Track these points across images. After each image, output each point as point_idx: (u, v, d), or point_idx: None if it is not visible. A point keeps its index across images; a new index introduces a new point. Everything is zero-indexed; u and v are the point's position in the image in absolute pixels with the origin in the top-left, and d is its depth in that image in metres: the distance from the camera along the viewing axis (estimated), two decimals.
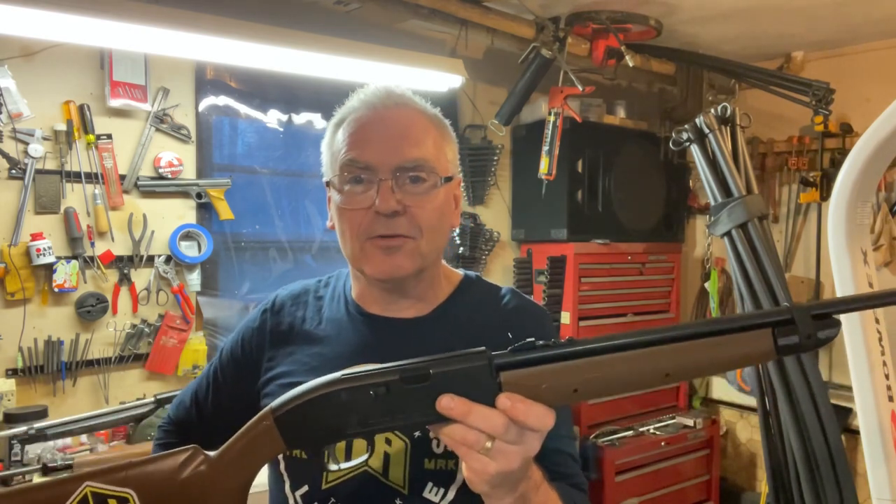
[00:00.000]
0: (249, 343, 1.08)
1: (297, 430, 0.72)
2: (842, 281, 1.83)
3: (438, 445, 0.92)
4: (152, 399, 2.24)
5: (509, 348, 0.70)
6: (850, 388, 1.85)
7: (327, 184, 1.00)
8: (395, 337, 1.01)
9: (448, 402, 0.67)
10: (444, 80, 2.60)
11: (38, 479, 1.93)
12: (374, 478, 0.92)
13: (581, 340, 0.68)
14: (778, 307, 0.68)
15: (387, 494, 0.91)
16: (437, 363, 0.70)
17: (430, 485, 0.93)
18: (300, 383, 0.98)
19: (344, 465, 0.76)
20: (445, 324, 1.02)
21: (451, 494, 0.93)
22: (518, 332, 1.02)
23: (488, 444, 0.67)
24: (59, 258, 2.21)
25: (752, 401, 3.07)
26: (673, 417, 3.34)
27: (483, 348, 0.70)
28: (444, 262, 1.08)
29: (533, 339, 0.69)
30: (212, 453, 0.75)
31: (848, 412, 2.94)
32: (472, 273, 1.11)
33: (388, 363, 0.72)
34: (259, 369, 1.05)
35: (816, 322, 0.66)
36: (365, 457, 0.76)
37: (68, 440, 2.11)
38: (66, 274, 2.21)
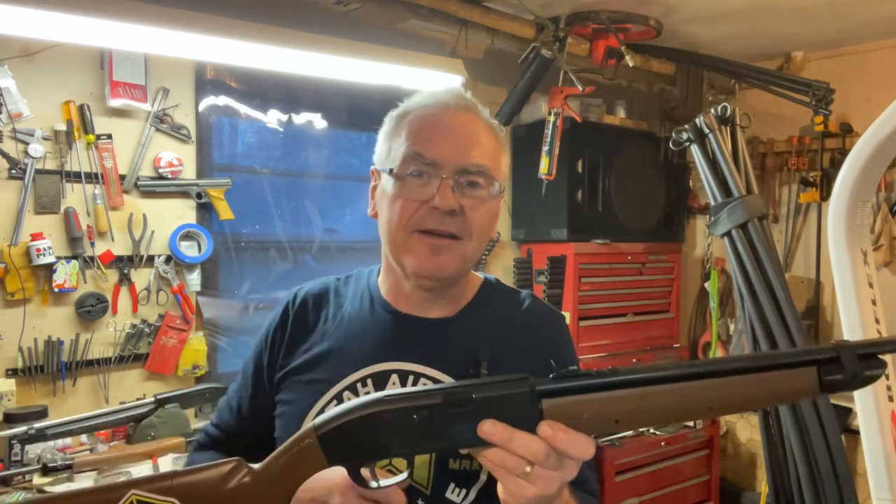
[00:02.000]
0: (273, 341, 1.07)
1: (339, 448, 0.73)
2: (842, 281, 1.83)
3: None
4: (152, 399, 2.24)
5: (552, 375, 0.69)
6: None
7: (382, 172, 0.99)
8: (421, 335, 1.01)
9: (490, 428, 0.68)
10: (444, 80, 2.59)
11: (38, 479, 1.94)
12: None
13: (624, 370, 0.68)
14: (824, 345, 0.68)
15: (410, 494, 0.92)
16: (480, 388, 0.70)
17: (452, 485, 0.93)
18: (319, 381, 0.99)
19: (383, 483, 0.76)
20: (470, 326, 1.02)
21: (472, 495, 0.93)
22: (537, 336, 1.03)
23: (528, 469, 0.67)
24: (59, 258, 2.21)
25: None
26: None
27: (526, 374, 0.70)
28: None
29: (575, 367, 0.69)
30: (256, 466, 0.75)
31: (848, 412, 2.94)
32: (490, 276, 1.12)
33: (432, 386, 0.72)
34: (276, 366, 1.04)
35: (862, 362, 0.66)
36: (404, 476, 0.76)
37: (68, 440, 2.11)
38: (66, 274, 2.21)
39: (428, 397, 0.70)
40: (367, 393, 0.97)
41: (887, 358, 0.69)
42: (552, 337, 1.06)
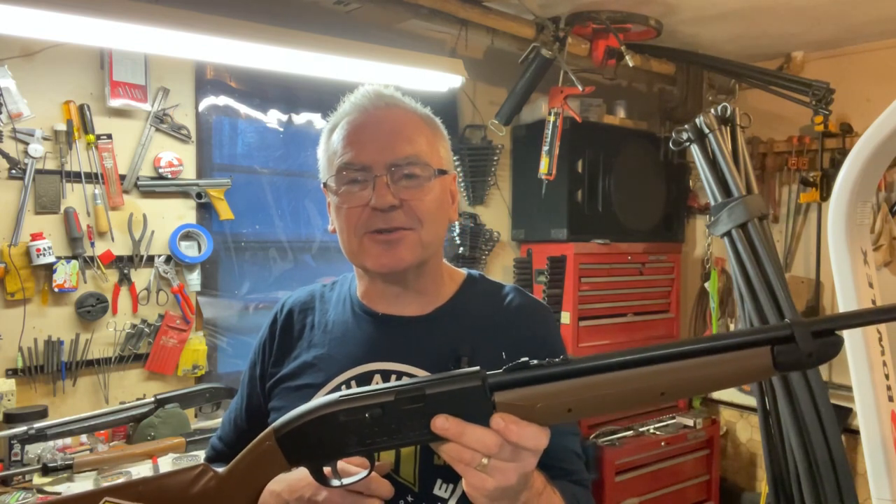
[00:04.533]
0: (263, 353, 1.09)
1: (299, 449, 0.74)
2: (842, 281, 1.83)
3: None
4: (152, 399, 2.24)
5: (504, 368, 0.70)
6: (850, 388, 1.85)
7: (325, 187, 1.02)
8: (402, 334, 1.02)
9: (442, 423, 0.68)
10: (444, 80, 2.59)
11: (38, 479, 1.94)
12: (387, 475, 0.93)
13: (576, 359, 0.69)
14: (778, 323, 0.67)
15: (397, 491, 0.92)
16: (432, 384, 0.70)
17: (439, 481, 0.94)
18: (308, 386, 1.00)
19: (346, 481, 0.77)
20: (451, 321, 1.03)
21: (459, 490, 0.93)
22: (522, 330, 1.03)
23: (484, 461, 0.68)
24: (59, 258, 2.21)
25: (752, 401, 3.07)
26: (673, 417, 3.34)
27: (477, 368, 0.70)
28: (446, 261, 1.09)
29: (527, 358, 0.69)
30: (220, 469, 0.78)
31: (848, 412, 2.94)
32: (475, 272, 1.13)
33: (385, 384, 0.73)
34: (266, 374, 1.07)
35: (818, 339, 0.65)
36: (364, 474, 0.78)
37: (68, 440, 2.11)
38: (66, 274, 2.21)
39: (382, 396, 0.71)
40: None
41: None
42: (538, 330, 1.06)
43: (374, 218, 0.95)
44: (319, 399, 0.74)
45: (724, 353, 0.67)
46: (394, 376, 0.98)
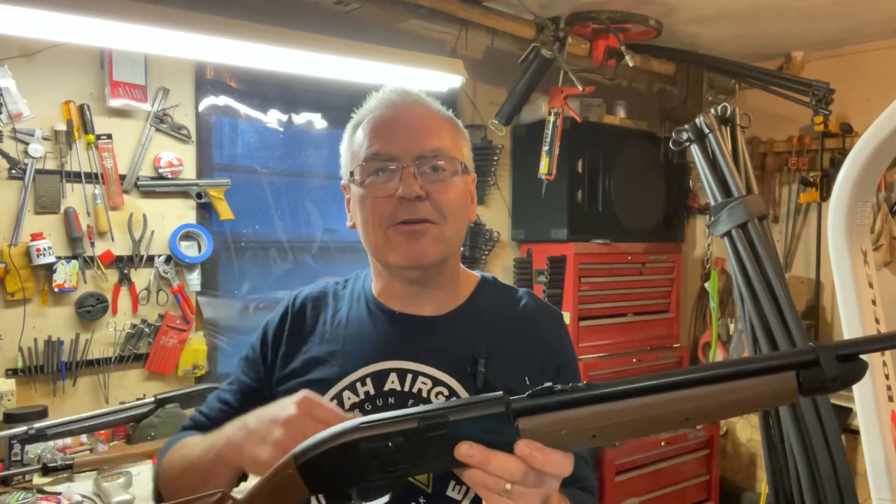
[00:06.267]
0: (272, 342, 1.08)
1: (319, 476, 0.73)
2: (842, 281, 1.83)
3: None
4: (152, 399, 2.24)
5: (527, 393, 0.69)
6: (850, 388, 1.84)
7: (349, 179, 1.02)
8: (419, 334, 1.01)
9: (467, 451, 0.68)
10: (444, 80, 2.59)
11: (38, 479, 1.94)
12: None
13: (600, 384, 0.68)
14: (802, 348, 0.67)
15: (410, 493, 0.92)
16: (455, 410, 0.69)
17: (452, 483, 0.94)
18: (321, 381, 0.99)
19: None
20: (467, 323, 1.03)
21: (472, 493, 0.93)
22: (534, 333, 1.04)
23: (508, 487, 0.68)
24: (59, 258, 2.21)
25: None
26: None
27: (501, 393, 0.70)
28: (461, 264, 1.10)
29: (551, 384, 0.69)
30: (239, 496, 0.76)
31: (848, 412, 2.94)
32: (487, 274, 1.13)
33: (407, 410, 0.71)
34: (275, 367, 1.05)
35: (842, 364, 0.64)
36: (385, 499, 0.77)
37: (68, 440, 2.11)
38: (66, 274, 2.21)
39: (404, 422, 0.70)
40: (367, 392, 0.98)
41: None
42: (550, 334, 1.06)
43: (399, 208, 0.95)
44: (339, 425, 0.73)
45: (750, 379, 0.66)
46: (409, 375, 0.98)
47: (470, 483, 0.70)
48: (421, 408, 0.71)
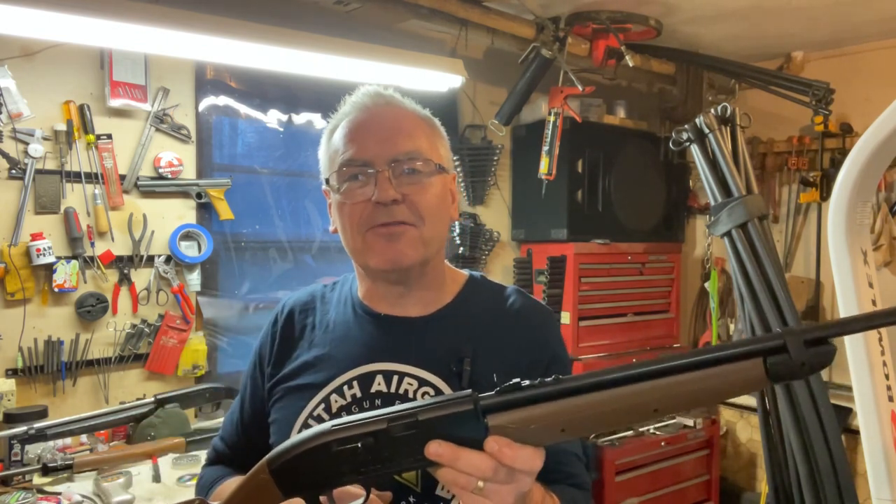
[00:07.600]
0: (264, 354, 1.10)
1: (293, 480, 0.74)
2: (842, 281, 1.83)
3: None
4: (152, 399, 2.24)
5: (496, 390, 0.69)
6: (850, 389, 1.85)
7: (326, 184, 1.02)
8: (404, 335, 1.01)
9: (436, 449, 0.68)
10: (444, 80, 2.59)
11: (38, 479, 1.94)
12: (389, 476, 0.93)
13: (567, 379, 0.68)
14: (770, 333, 0.66)
15: (399, 492, 0.92)
16: (424, 409, 0.70)
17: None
18: (309, 385, 1.00)
19: None
20: (453, 322, 1.03)
21: None
22: (523, 332, 1.03)
23: (480, 485, 0.68)
24: (59, 258, 2.21)
25: (752, 401, 3.07)
26: (673, 417, 3.34)
27: (469, 391, 0.70)
28: (447, 262, 1.09)
29: (519, 379, 0.69)
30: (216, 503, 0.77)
31: (848, 412, 2.94)
32: (476, 273, 1.13)
33: (377, 412, 0.72)
34: (272, 377, 1.06)
35: (810, 348, 0.64)
36: (359, 501, 0.78)
37: (68, 440, 2.11)
38: (66, 274, 2.21)
39: (374, 424, 0.71)
40: (354, 394, 0.98)
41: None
42: (538, 332, 1.05)
43: (376, 213, 0.95)
44: (311, 429, 0.74)
45: (717, 367, 0.66)
46: (395, 377, 0.98)
47: (443, 481, 0.70)
48: (391, 408, 0.72)
